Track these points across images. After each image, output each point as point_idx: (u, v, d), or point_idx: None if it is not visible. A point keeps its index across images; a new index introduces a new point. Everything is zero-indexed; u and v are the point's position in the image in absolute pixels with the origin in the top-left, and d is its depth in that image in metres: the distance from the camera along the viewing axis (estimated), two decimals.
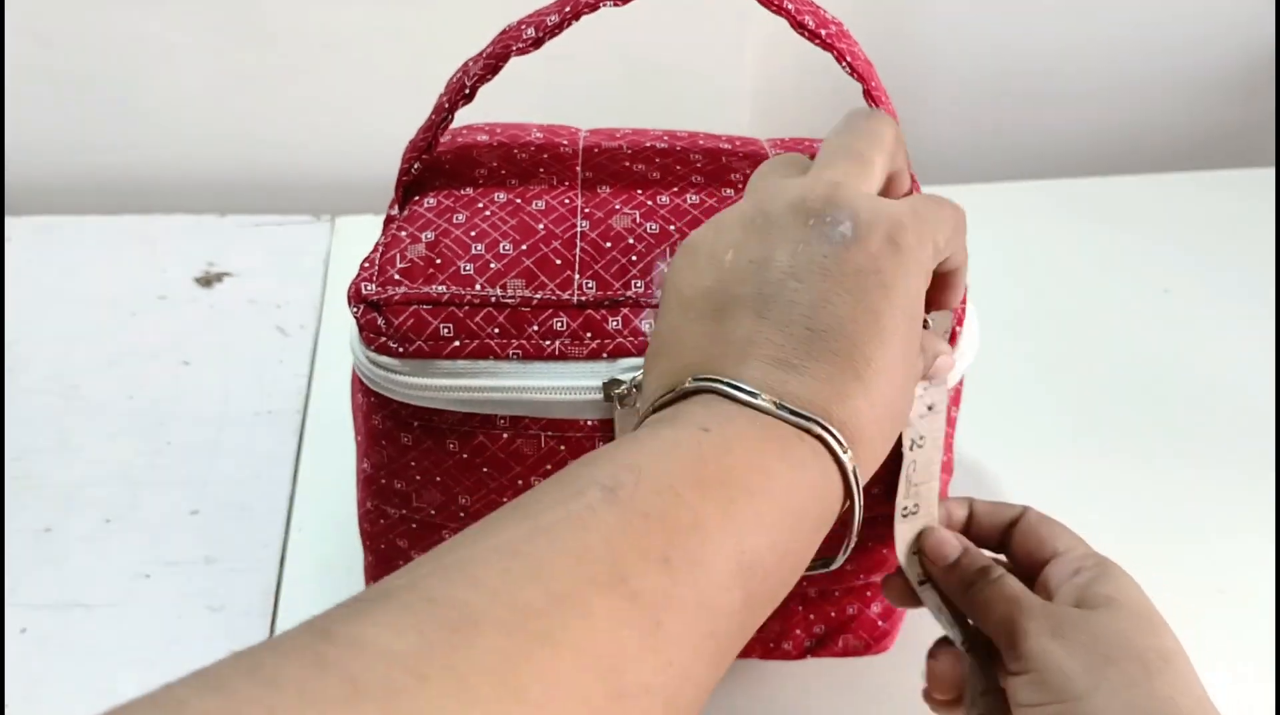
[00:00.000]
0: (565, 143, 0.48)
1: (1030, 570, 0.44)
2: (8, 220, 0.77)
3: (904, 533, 0.44)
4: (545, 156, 0.47)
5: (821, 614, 0.49)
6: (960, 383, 0.45)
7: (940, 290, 0.40)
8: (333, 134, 0.83)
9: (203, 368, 0.68)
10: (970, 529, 0.46)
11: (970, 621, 0.44)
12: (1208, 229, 0.80)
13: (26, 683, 0.52)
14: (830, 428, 0.32)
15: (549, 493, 0.29)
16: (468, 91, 0.43)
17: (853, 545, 0.35)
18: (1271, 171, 0.84)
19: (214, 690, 0.22)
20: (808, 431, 0.32)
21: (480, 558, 0.26)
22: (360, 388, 0.44)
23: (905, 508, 0.44)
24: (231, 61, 0.80)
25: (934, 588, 0.45)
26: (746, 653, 0.50)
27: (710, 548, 0.28)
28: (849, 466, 0.32)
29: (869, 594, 0.49)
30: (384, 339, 0.42)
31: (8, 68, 0.78)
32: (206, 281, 0.74)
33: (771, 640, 0.50)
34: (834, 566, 0.38)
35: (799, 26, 0.42)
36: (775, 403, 0.32)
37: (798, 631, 0.49)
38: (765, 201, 0.36)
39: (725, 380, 0.32)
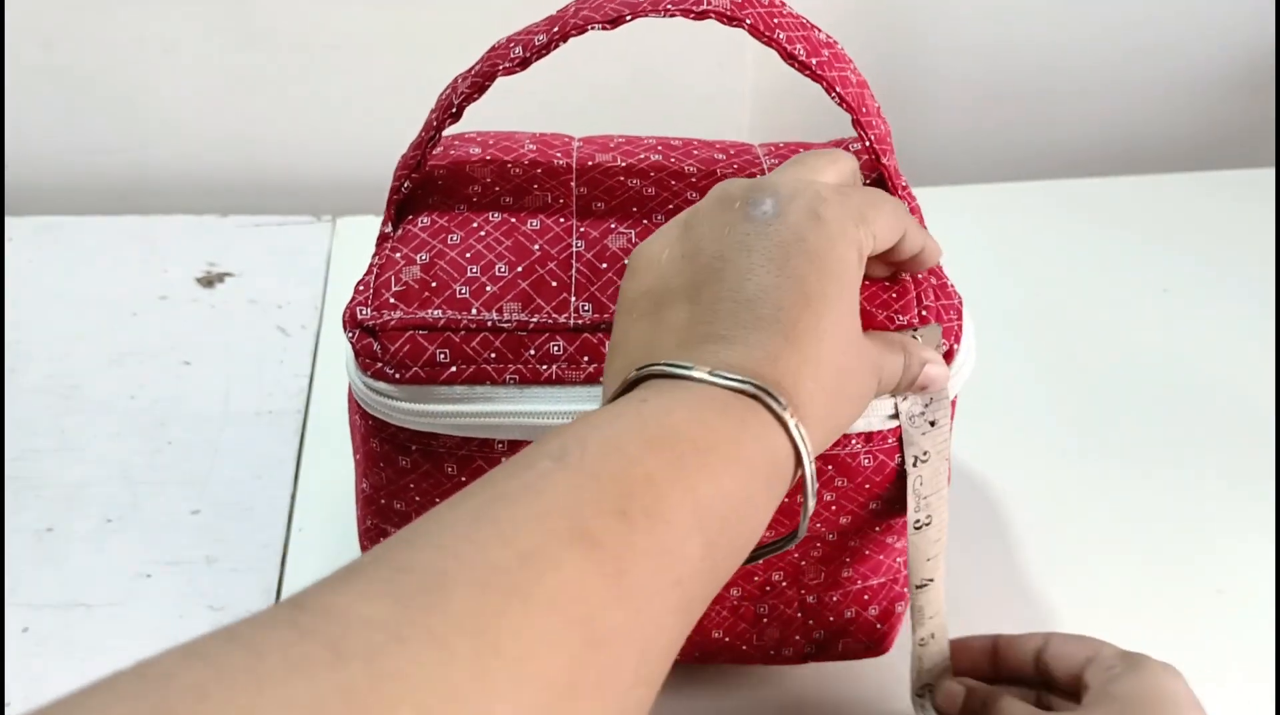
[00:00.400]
0: (559, 156, 0.48)
1: (1071, 686, 0.45)
2: (8, 220, 0.77)
3: (919, 543, 0.45)
4: (539, 171, 0.46)
5: (820, 619, 0.49)
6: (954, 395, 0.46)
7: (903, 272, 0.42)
8: (334, 134, 0.83)
9: (204, 368, 0.68)
10: (998, 663, 0.48)
11: None
12: (1208, 229, 0.80)
13: (27, 682, 0.52)
14: (764, 386, 0.32)
15: (502, 470, 0.29)
16: (454, 110, 0.43)
17: (811, 507, 0.35)
18: (1271, 171, 0.84)
19: (198, 659, 0.22)
20: (741, 392, 0.32)
21: (443, 527, 0.27)
22: (358, 410, 0.44)
23: (918, 520, 0.44)
24: (233, 62, 0.80)
25: None
26: (747, 660, 0.50)
27: (664, 500, 0.29)
28: (788, 421, 0.32)
29: (866, 597, 0.49)
30: (380, 365, 0.41)
31: (8, 68, 0.78)
32: (208, 281, 0.74)
33: (771, 648, 0.50)
34: (797, 539, 0.38)
35: (789, 58, 0.42)
36: (709, 371, 0.32)
37: (797, 637, 0.49)
38: (698, 205, 0.38)
39: (662, 362, 0.33)
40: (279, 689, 0.22)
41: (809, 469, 0.34)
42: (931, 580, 0.46)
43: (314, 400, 0.66)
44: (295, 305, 0.72)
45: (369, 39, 0.79)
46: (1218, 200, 0.83)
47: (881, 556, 0.48)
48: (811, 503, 0.35)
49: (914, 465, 0.43)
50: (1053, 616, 0.56)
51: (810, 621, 0.49)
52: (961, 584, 0.50)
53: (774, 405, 0.32)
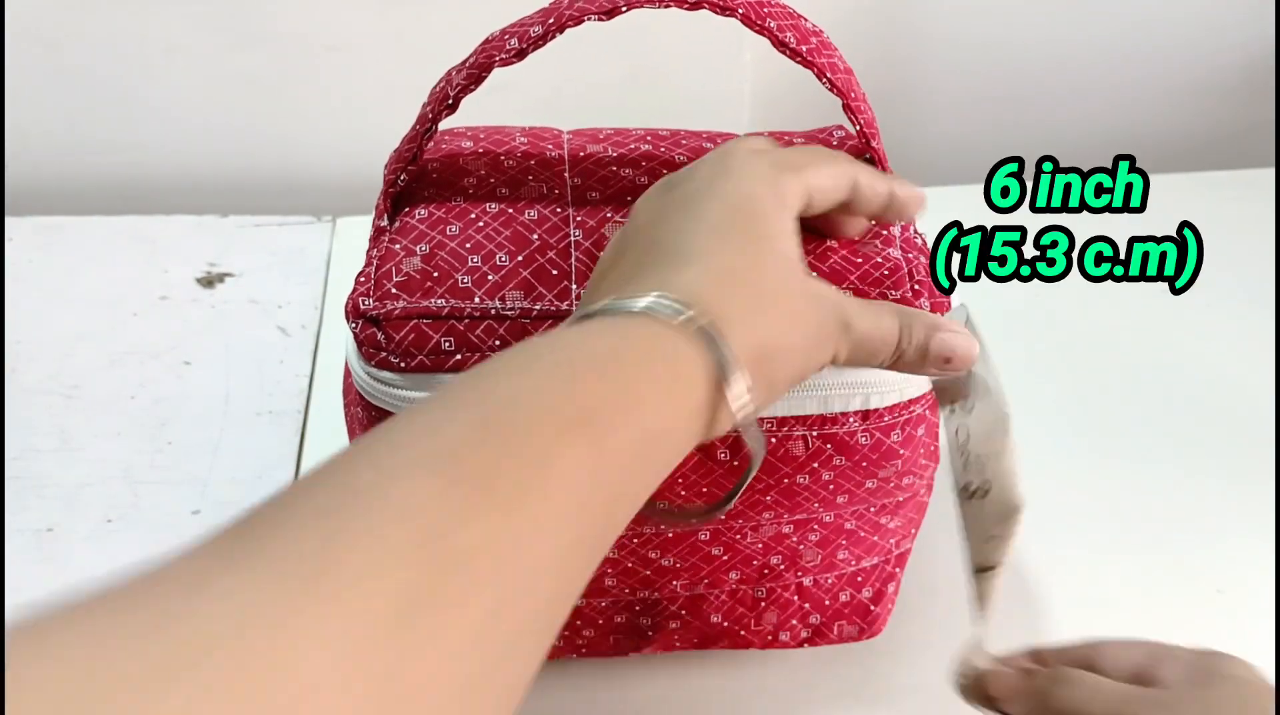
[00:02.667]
0: (551, 148, 0.48)
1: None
2: (8, 220, 0.77)
3: (972, 514, 0.39)
4: (533, 163, 0.47)
5: (816, 602, 0.50)
6: None
7: (842, 220, 0.43)
8: (334, 135, 0.83)
9: (204, 368, 0.68)
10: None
11: None
12: (1207, 229, 0.80)
13: None
14: (664, 294, 0.34)
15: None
16: (451, 101, 0.43)
17: (736, 407, 0.34)
18: (1271, 172, 0.84)
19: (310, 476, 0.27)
20: (631, 313, 0.33)
21: (456, 398, 0.30)
22: (359, 402, 0.44)
23: (969, 485, 0.40)
24: (233, 62, 0.80)
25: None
26: (746, 644, 0.50)
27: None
28: (688, 317, 0.33)
29: (859, 579, 0.50)
30: (384, 354, 0.42)
31: (8, 68, 0.78)
32: (208, 282, 0.74)
33: (770, 632, 0.50)
34: (753, 467, 0.37)
35: (781, 45, 0.43)
36: (609, 301, 0.34)
37: (794, 622, 0.50)
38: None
39: (582, 311, 0.35)
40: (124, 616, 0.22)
41: (726, 353, 0.33)
42: (993, 568, 0.40)
43: (314, 400, 0.66)
44: (295, 305, 0.72)
45: (369, 39, 0.79)
46: (1218, 200, 0.82)
47: (876, 538, 0.49)
48: (735, 402, 0.34)
49: (951, 413, 0.41)
50: (1052, 616, 0.56)
51: (806, 605, 0.49)
52: (959, 584, 0.50)
53: (669, 305, 0.33)
